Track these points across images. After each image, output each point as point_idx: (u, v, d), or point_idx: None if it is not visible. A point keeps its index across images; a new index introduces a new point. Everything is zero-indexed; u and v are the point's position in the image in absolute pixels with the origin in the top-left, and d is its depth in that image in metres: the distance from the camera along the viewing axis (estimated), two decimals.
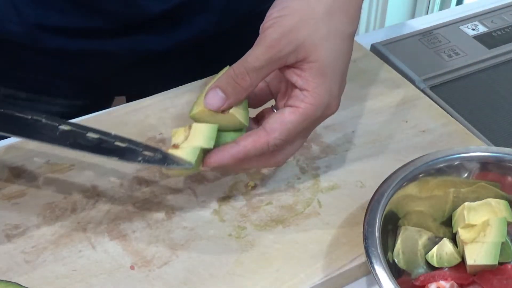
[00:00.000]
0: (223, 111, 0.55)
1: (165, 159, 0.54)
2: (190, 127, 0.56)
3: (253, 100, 0.60)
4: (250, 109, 0.59)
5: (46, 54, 0.75)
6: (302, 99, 0.55)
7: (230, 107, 0.56)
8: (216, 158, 0.55)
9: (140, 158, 0.54)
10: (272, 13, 0.55)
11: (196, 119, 0.57)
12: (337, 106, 0.57)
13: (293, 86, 0.56)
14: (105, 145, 0.55)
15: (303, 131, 0.57)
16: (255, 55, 0.54)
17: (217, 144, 0.56)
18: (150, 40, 0.75)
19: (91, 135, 0.55)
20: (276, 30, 0.54)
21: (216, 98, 0.55)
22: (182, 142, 0.55)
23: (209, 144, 0.55)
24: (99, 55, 0.75)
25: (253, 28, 0.87)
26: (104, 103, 0.87)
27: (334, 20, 0.55)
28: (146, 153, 0.54)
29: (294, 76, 0.55)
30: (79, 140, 0.55)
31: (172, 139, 0.56)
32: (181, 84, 0.75)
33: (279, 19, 0.54)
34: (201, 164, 0.56)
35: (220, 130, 0.56)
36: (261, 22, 0.84)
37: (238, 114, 0.56)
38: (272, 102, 0.61)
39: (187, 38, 0.77)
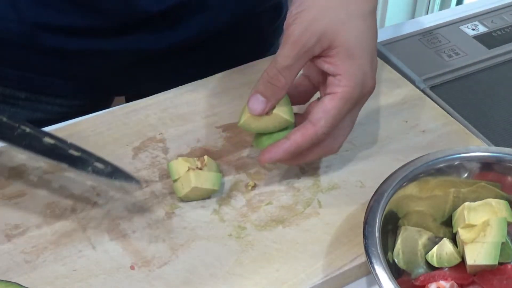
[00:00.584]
0: (267, 113, 0.59)
1: (114, 173, 0.57)
2: (199, 159, 0.62)
3: (298, 97, 0.64)
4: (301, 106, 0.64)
5: (45, 54, 0.75)
6: (338, 84, 0.57)
7: (273, 108, 0.59)
8: (270, 155, 0.59)
9: (89, 169, 0.57)
10: (292, 11, 0.57)
11: (245, 127, 0.61)
12: (373, 84, 0.59)
13: (327, 74, 0.58)
14: (58, 151, 0.57)
15: (349, 113, 0.59)
16: (283, 54, 0.57)
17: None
18: (148, 40, 0.75)
19: (47, 140, 0.58)
20: (297, 26, 0.56)
21: (257, 102, 0.58)
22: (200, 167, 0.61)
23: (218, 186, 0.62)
24: (98, 55, 0.75)
25: (252, 28, 0.87)
26: (103, 103, 0.87)
27: (350, 2, 0.57)
28: (97, 164, 0.57)
29: (325, 65, 0.58)
30: (34, 143, 0.57)
31: (176, 169, 0.61)
32: (181, 84, 0.75)
33: (299, 15, 0.57)
34: (261, 159, 0.60)
35: (270, 133, 0.61)
36: (260, 22, 0.85)
37: (282, 112, 0.60)
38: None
39: (186, 38, 0.77)
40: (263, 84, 0.58)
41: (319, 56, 0.58)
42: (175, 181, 0.62)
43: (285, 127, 0.61)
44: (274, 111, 0.59)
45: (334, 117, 0.57)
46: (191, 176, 0.60)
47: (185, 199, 0.61)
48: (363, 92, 0.58)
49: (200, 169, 0.61)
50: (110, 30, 0.73)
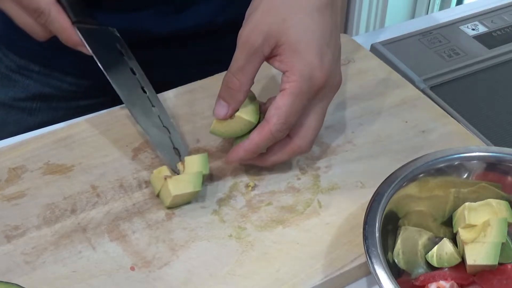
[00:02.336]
0: (231, 117, 0.61)
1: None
2: (182, 163, 0.62)
3: None
4: None
5: None
6: (286, 80, 0.58)
7: (235, 111, 0.61)
8: (233, 154, 0.61)
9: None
10: (246, 13, 0.60)
11: (216, 133, 0.63)
12: (323, 76, 0.59)
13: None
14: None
15: (309, 109, 0.60)
16: (235, 57, 0.59)
17: None
18: (151, 21, 0.76)
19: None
20: (245, 27, 0.58)
21: (220, 107, 0.61)
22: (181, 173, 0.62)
23: (206, 170, 0.62)
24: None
25: None
26: (109, 90, 0.88)
27: (294, 0, 0.59)
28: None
29: (275, 63, 0.59)
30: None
31: (156, 176, 0.62)
32: (179, 80, 0.75)
33: (249, 17, 0.59)
34: (226, 159, 0.62)
35: (243, 135, 0.62)
36: None
37: (244, 114, 0.61)
38: None
39: (190, 26, 0.77)
40: (223, 89, 0.61)
41: (271, 56, 0.59)
42: (158, 194, 0.61)
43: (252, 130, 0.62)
44: (237, 113, 0.61)
45: (286, 112, 0.58)
46: (169, 185, 0.60)
47: (172, 207, 0.61)
48: (313, 86, 0.58)
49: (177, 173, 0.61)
50: (112, 4, 0.73)
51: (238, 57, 0.58)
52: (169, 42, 0.79)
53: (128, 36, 0.75)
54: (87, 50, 0.65)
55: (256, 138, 0.59)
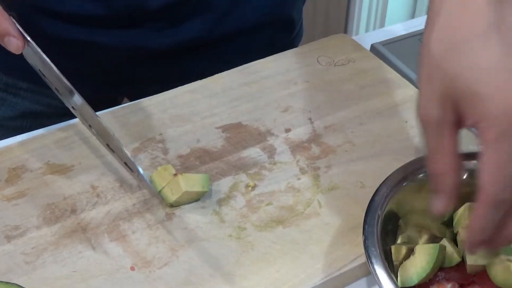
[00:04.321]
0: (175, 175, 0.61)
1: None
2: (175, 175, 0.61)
3: None
4: None
5: (45, 42, 0.75)
6: (481, 133, 0.46)
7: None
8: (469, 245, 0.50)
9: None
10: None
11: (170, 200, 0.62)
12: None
13: None
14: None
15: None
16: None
17: None
18: (149, 37, 0.75)
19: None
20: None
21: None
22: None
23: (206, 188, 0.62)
24: (97, 47, 0.75)
25: (256, 38, 0.85)
26: (103, 104, 0.88)
27: None
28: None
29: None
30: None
31: (158, 176, 0.61)
32: (180, 85, 0.75)
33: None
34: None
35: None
36: (266, 34, 0.83)
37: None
38: None
39: (187, 39, 0.77)
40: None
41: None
42: (160, 191, 0.61)
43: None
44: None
45: (497, 169, 0.45)
46: (180, 180, 0.60)
47: (175, 205, 0.61)
48: None
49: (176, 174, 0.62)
50: (110, 22, 0.73)
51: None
52: (164, 57, 0.79)
53: (123, 52, 0.76)
54: (17, 41, 0.58)
55: (476, 212, 0.47)
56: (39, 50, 0.59)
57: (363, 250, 0.52)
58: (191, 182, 0.61)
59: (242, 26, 0.80)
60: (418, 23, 0.90)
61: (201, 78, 0.76)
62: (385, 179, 0.57)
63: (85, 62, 0.78)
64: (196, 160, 0.66)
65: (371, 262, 0.51)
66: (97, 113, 0.72)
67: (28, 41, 0.59)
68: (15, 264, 0.56)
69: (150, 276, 0.56)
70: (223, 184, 0.64)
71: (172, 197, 0.60)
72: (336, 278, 0.56)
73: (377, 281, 0.50)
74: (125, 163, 0.61)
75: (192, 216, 0.61)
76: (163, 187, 0.61)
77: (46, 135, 0.69)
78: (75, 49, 0.75)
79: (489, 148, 0.45)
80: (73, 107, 0.63)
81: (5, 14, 0.58)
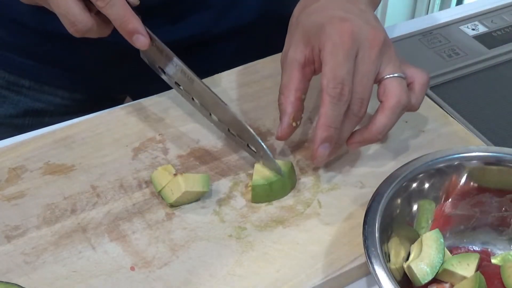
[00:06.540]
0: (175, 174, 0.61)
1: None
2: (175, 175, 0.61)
3: None
4: None
5: (46, 39, 0.75)
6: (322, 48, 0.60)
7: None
8: (317, 149, 0.60)
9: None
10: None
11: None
12: (352, 26, 0.59)
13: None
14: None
15: (352, 65, 0.59)
16: None
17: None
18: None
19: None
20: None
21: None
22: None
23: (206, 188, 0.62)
24: (93, 43, 0.75)
25: (255, 36, 0.85)
26: (104, 102, 0.87)
27: None
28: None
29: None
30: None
31: (158, 177, 0.62)
32: None
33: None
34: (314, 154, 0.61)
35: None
36: (266, 33, 0.83)
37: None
38: None
39: (184, 36, 0.77)
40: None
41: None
42: (160, 191, 0.61)
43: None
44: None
45: (332, 69, 0.58)
46: (180, 180, 0.60)
47: (175, 204, 0.61)
48: (345, 35, 0.59)
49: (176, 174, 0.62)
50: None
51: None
52: None
53: (124, 48, 0.75)
54: (144, 39, 0.62)
55: (322, 111, 0.58)
56: (166, 47, 0.64)
57: (363, 250, 0.52)
58: (191, 182, 0.61)
59: (240, 24, 0.80)
60: (418, 23, 0.90)
61: (201, 78, 0.76)
62: (385, 179, 0.57)
63: (87, 58, 0.78)
64: (196, 160, 0.66)
65: (371, 262, 0.51)
66: (97, 113, 0.72)
67: (154, 39, 0.64)
68: (15, 264, 0.56)
69: (150, 276, 0.56)
70: (223, 184, 0.64)
71: (172, 197, 0.60)
72: (336, 278, 0.56)
73: (377, 281, 0.50)
74: (238, 136, 0.65)
75: (192, 216, 0.61)
76: (163, 187, 0.61)
77: (46, 135, 0.69)
78: (77, 44, 0.75)
79: (327, 56, 0.59)
80: (176, 82, 0.67)
81: (134, 14, 0.61)
